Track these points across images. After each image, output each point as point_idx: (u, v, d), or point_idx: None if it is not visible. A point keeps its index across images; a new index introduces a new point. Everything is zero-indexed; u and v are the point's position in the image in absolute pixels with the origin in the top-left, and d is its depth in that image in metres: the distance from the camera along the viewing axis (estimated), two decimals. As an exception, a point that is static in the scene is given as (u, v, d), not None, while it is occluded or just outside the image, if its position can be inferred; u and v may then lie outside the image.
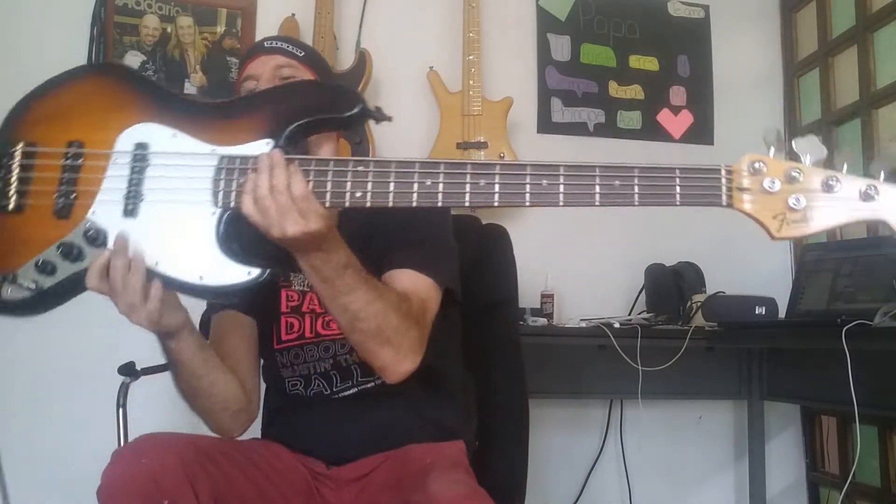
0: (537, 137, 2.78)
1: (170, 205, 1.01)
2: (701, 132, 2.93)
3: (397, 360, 1.13)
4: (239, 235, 1.02)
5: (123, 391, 1.73)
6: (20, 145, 1.07)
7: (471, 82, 2.58)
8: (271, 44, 1.32)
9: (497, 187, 0.93)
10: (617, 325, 2.34)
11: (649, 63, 2.92)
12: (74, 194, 1.04)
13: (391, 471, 1.23)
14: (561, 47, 2.85)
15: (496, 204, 0.92)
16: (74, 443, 2.32)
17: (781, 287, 2.56)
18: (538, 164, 0.92)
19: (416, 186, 0.95)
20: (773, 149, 0.91)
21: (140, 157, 1.04)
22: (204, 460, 1.08)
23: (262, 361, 1.38)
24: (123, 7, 2.49)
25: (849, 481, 2.43)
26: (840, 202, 0.85)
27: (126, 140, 1.05)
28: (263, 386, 1.42)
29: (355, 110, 1.04)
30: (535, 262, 2.54)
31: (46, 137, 1.07)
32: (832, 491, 2.64)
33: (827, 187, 0.86)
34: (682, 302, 2.47)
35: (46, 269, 1.02)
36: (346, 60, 2.57)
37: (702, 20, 2.99)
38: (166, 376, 1.82)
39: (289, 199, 0.95)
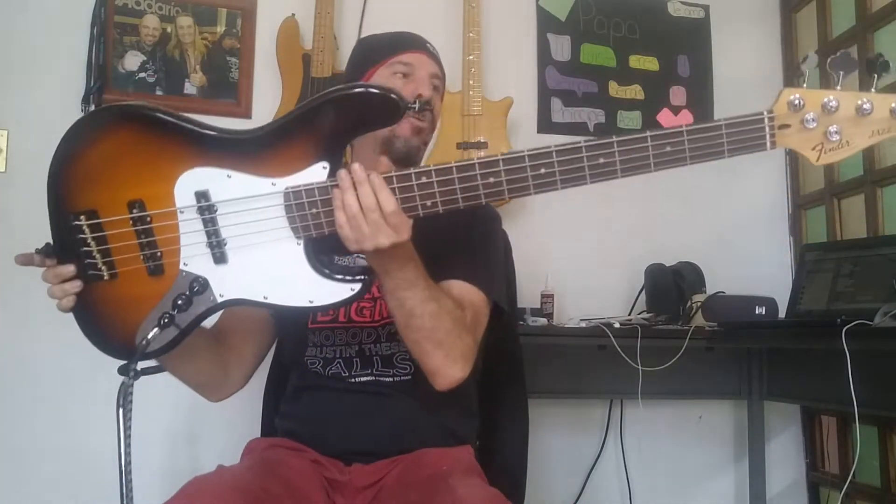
0: (537, 137, 2.78)
1: (255, 247, 1.07)
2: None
3: (447, 363, 1.16)
4: (327, 257, 1.10)
5: (123, 391, 1.72)
6: (82, 219, 1.09)
7: (471, 82, 2.58)
8: (434, 50, 1.42)
9: (557, 174, 0.99)
10: (617, 325, 2.34)
11: (649, 63, 2.92)
12: (159, 253, 1.09)
13: (404, 475, 1.23)
14: (561, 47, 2.85)
15: (559, 187, 0.99)
16: (75, 443, 2.32)
17: (781, 287, 2.56)
18: (592, 143, 0.98)
19: (480, 185, 1.01)
20: (807, 73, 0.97)
21: (205, 207, 1.07)
22: (250, 498, 1.10)
23: (280, 343, 1.44)
24: (123, 7, 2.49)
25: (849, 481, 2.43)
26: (872, 124, 0.93)
27: (183, 190, 1.07)
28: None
29: (402, 114, 1.06)
30: (535, 262, 2.54)
31: (103, 203, 1.09)
32: (832, 491, 2.64)
33: (861, 111, 0.93)
34: (682, 302, 2.47)
35: (166, 321, 1.09)
36: (346, 60, 2.56)
37: (702, 20, 2.99)
38: (166, 376, 1.82)
39: (381, 216, 1.00)
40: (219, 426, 2.32)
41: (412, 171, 1.03)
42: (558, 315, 2.52)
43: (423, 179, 1.02)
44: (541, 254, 2.64)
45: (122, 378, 1.72)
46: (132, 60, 2.49)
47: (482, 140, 2.54)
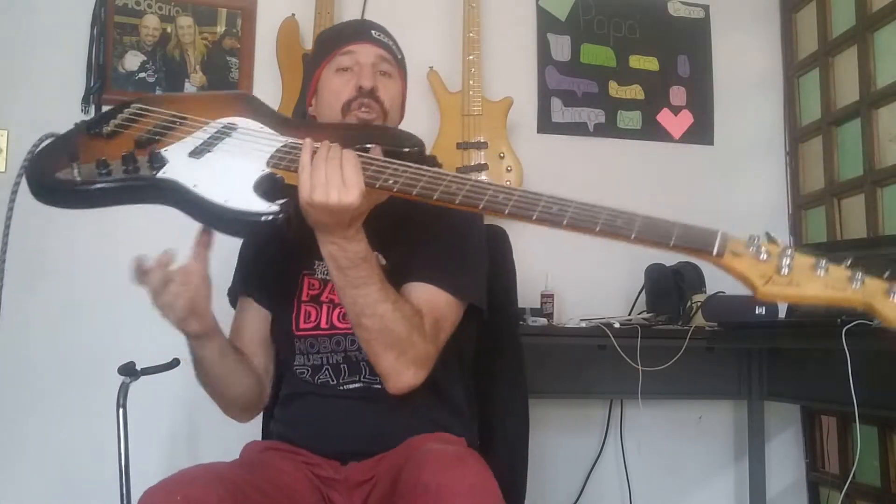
0: (537, 137, 2.78)
1: (231, 156, 1.14)
2: (701, 132, 2.93)
3: (399, 367, 1.17)
4: (271, 190, 1.10)
5: (123, 391, 1.73)
6: (139, 104, 1.26)
7: (471, 82, 2.58)
8: (378, 35, 1.40)
9: (512, 202, 1.03)
10: (617, 325, 2.34)
11: (649, 63, 2.92)
12: (159, 137, 1.18)
13: (394, 461, 1.23)
14: (561, 47, 2.85)
15: (506, 214, 1.02)
16: (75, 442, 2.32)
17: (781, 287, 2.55)
18: (553, 198, 1.05)
19: (441, 187, 1.03)
20: (764, 239, 0.96)
21: (226, 130, 1.20)
22: (236, 493, 1.10)
23: (278, 350, 1.43)
24: (123, 7, 2.49)
25: (849, 481, 2.43)
26: (827, 279, 0.89)
27: (222, 121, 1.22)
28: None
29: (410, 149, 1.15)
30: (535, 262, 2.54)
31: (161, 107, 1.25)
32: (832, 491, 2.64)
33: (817, 267, 0.90)
34: (682, 302, 2.47)
35: (102, 167, 1.11)
36: (346, 60, 2.56)
37: (702, 20, 2.99)
38: (166, 376, 1.83)
39: (338, 167, 1.04)
40: (219, 425, 2.31)
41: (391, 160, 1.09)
42: (558, 315, 2.52)
43: (395, 166, 1.07)
44: (541, 254, 2.63)
45: (122, 378, 1.73)
46: (132, 60, 2.49)
47: (482, 140, 2.54)
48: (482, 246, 1.41)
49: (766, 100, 3.01)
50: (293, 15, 2.57)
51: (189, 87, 2.54)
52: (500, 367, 1.51)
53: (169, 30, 2.53)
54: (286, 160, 1.11)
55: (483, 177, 2.51)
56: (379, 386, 1.27)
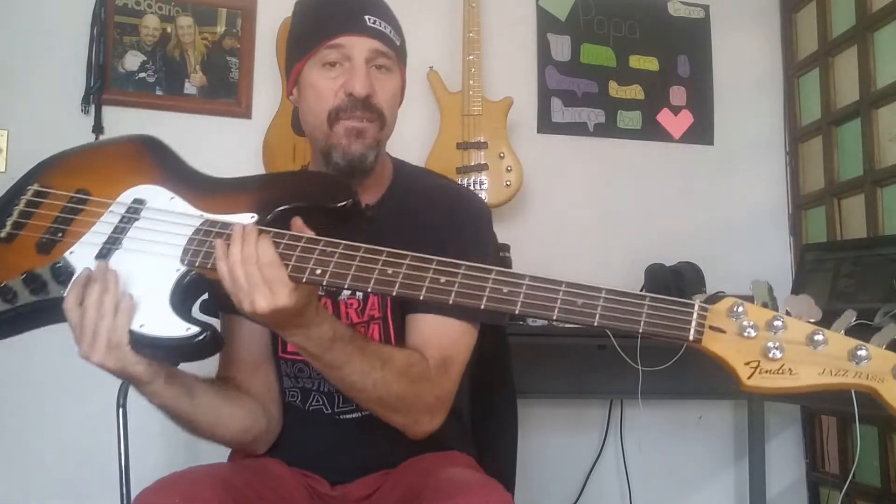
0: (537, 137, 2.78)
1: (141, 255, 1.02)
2: (701, 132, 2.93)
3: (410, 424, 1.11)
4: (192, 300, 1.02)
5: (123, 391, 1.73)
6: (35, 186, 1.12)
7: (471, 82, 2.58)
8: (374, 22, 1.18)
9: (456, 286, 0.89)
10: (617, 325, 2.34)
11: (649, 63, 2.92)
12: (62, 233, 1.07)
13: (400, 481, 1.17)
14: (561, 47, 2.85)
15: (450, 302, 0.89)
16: (75, 442, 2.32)
17: (781, 287, 2.55)
18: (504, 271, 0.91)
19: (376, 273, 0.92)
20: (759, 302, 0.81)
21: (133, 209, 1.07)
22: (237, 496, 1.05)
23: None
24: (123, 7, 2.49)
25: (849, 481, 2.43)
26: (824, 359, 0.76)
27: (128, 196, 1.09)
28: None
29: (341, 204, 1.03)
30: (535, 261, 2.54)
31: (61, 184, 1.12)
32: (832, 491, 2.64)
33: (811, 342, 0.77)
34: (682, 302, 2.47)
35: (6, 294, 1.02)
36: (346, 60, 2.56)
37: (702, 20, 2.99)
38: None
39: (257, 269, 0.92)
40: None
41: (306, 235, 0.97)
42: (558, 315, 2.52)
43: (322, 247, 0.94)
44: (541, 253, 2.63)
45: (121, 378, 1.72)
46: (132, 60, 2.49)
47: (482, 140, 2.54)
48: (494, 249, 1.31)
49: (766, 100, 3.01)
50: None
51: (189, 87, 2.54)
52: (489, 371, 1.44)
53: (169, 30, 2.53)
54: (203, 252, 0.99)
55: (483, 176, 2.51)
56: None
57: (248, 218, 1.01)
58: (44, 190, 1.11)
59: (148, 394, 1.04)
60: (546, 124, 2.80)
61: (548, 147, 2.77)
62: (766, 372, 0.77)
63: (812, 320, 0.79)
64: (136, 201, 1.08)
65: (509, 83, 2.71)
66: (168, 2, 2.54)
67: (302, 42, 1.20)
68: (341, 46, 1.15)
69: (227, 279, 0.94)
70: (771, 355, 0.76)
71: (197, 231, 1.01)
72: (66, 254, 1.04)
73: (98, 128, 2.41)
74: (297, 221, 0.99)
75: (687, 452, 2.81)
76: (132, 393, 1.75)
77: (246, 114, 2.56)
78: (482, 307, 0.88)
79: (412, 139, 2.61)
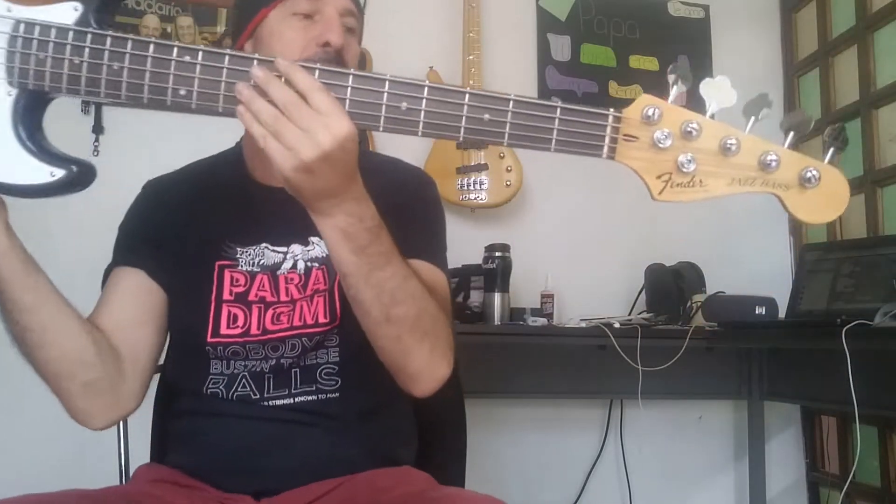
0: (537, 137, 2.78)
1: None
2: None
3: (435, 359, 0.94)
4: (40, 130, 0.84)
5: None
6: None
7: (471, 82, 2.58)
8: None
9: (347, 104, 0.78)
10: (617, 325, 2.34)
11: (649, 63, 2.92)
12: None
13: (350, 496, 0.99)
14: (561, 47, 2.85)
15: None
16: (74, 442, 2.32)
17: (781, 287, 2.56)
18: (399, 80, 0.78)
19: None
20: (675, 87, 0.78)
21: None
22: None
23: (170, 354, 1.13)
24: (123, 7, 2.49)
25: (849, 481, 2.43)
26: (734, 169, 0.75)
27: None
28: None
29: None
30: (535, 262, 2.55)
31: None
32: (832, 491, 2.64)
33: (724, 149, 0.75)
34: (682, 302, 2.47)
35: None
36: (346, 60, 2.56)
37: (702, 20, 2.99)
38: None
39: (307, 110, 0.76)
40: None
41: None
42: (558, 315, 2.52)
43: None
44: (541, 254, 2.63)
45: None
46: (132, 60, 2.49)
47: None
48: (444, 218, 1.16)
49: (767, 100, 3.01)
50: (293, 15, 2.57)
51: (189, 87, 2.54)
52: None
53: (169, 30, 2.53)
54: (33, 64, 0.80)
55: (483, 176, 2.51)
56: (314, 398, 1.03)
57: (69, 10, 0.82)
58: None
59: None
60: (546, 124, 2.80)
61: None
62: (678, 185, 0.75)
63: (728, 106, 0.79)
64: None
65: (509, 83, 2.71)
66: (168, 2, 2.54)
67: None
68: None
69: (269, 140, 0.77)
70: (684, 169, 0.75)
71: (13, 39, 0.81)
72: None
73: (98, 128, 2.41)
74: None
75: (687, 452, 2.81)
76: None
77: (246, 114, 2.56)
78: (381, 129, 0.78)
79: (412, 139, 2.61)
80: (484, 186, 2.51)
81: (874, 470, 2.50)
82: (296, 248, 1.07)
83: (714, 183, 0.75)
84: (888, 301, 1.94)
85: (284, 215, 0.98)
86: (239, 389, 1.04)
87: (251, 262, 1.06)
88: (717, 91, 0.80)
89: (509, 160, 2.53)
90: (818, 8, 2.86)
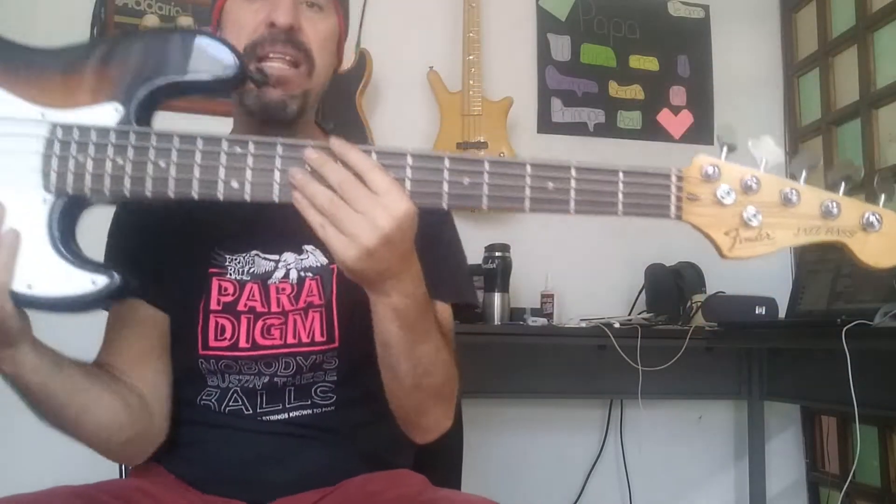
0: (537, 137, 2.78)
1: None
2: (701, 132, 2.93)
3: (444, 418, 0.96)
4: (73, 229, 0.80)
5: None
6: None
7: (471, 82, 2.58)
8: None
9: (409, 184, 0.76)
10: (617, 325, 2.34)
11: (649, 63, 2.92)
12: None
13: (344, 500, 0.98)
14: (561, 47, 2.85)
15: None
16: (74, 442, 2.31)
17: (781, 287, 2.56)
18: (458, 157, 0.77)
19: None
20: (725, 149, 0.78)
21: None
22: None
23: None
24: (123, 7, 2.49)
25: (849, 481, 2.43)
26: (798, 219, 0.76)
27: None
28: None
29: (230, 74, 0.81)
30: (535, 262, 2.55)
31: None
32: (832, 491, 2.64)
33: (786, 200, 0.75)
34: (682, 302, 2.47)
35: None
36: (346, 60, 2.56)
37: (702, 20, 2.99)
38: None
39: (366, 193, 0.74)
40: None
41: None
42: (558, 315, 2.52)
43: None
44: (541, 254, 2.63)
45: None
46: (132, 60, 2.49)
47: (482, 140, 2.54)
48: (453, 231, 1.13)
49: (766, 100, 3.01)
50: (293, 15, 2.57)
51: (189, 87, 2.54)
52: None
53: (169, 30, 2.53)
54: (72, 173, 0.76)
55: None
56: (309, 412, 1.01)
57: (111, 111, 0.79)
58: None
59: (7, 362, 0.81)
60: (546, 124, 2.80)
61: (548, 147, 2.77)
62: (746, 240, 0.76)
63: (778, 162, 0.78)
64: None
65: (509, 83, 2.71)
66: (168, 2, 2.54)
67: None
68: None
69: (326, 228, 0.75)
70: (751, 223, 0.75)
71: (49, 143, 0.77)
72: None
73: (98, 128, 2.42)
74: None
75: (687, 452, 2.81)
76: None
77: (246, 114, 2.56)
78: (444, 206, 0.76)
79: (412, 139, 2.61)
80: (484, 186, 2.50)
81: (874, 470, 2.49)
82: (288, 257, 1.02)
83: (781, 234, 0.76)
84: (888, 301, 1.94)
85: (277, 221, 0.92)
86: (230, 404, 1.01)
87: (241, 270, 1.02)
88: (766, 149, 0.79)
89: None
90: (818, 8, 2.86)
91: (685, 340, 2.29)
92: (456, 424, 1.15)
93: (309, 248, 1.02)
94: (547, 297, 2.51)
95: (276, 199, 0.76)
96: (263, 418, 1.00)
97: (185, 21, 2.54)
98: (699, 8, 2.98)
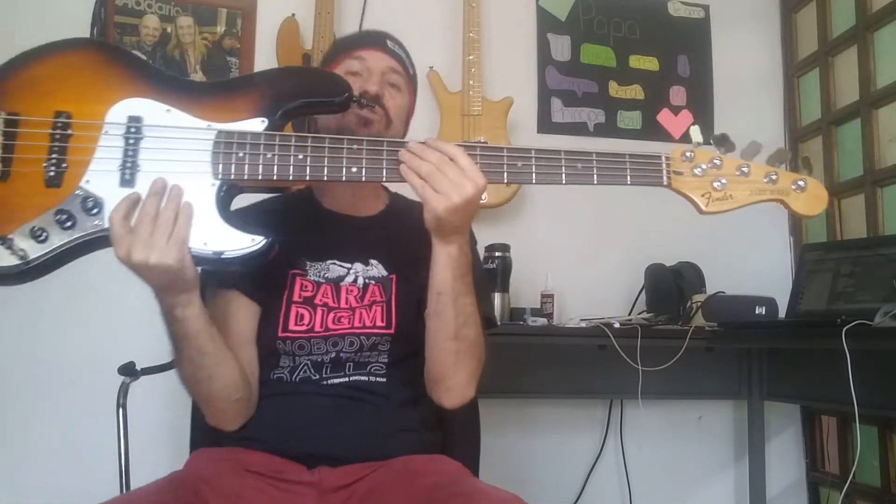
0: (537, 137, 2.78)
1: (168, 176, 1.03)
2: (701, 132, 2.92)
3: (469, 381, 1.21)
4: (230, 207, 1.08)
5: (123, 391, 1.73)
6: (2, 114, 1.04)
7: (471, 82, 2.58)
8: (394, 46, 1.36)
9: (480, 166, 1.09)
10: (617, 325, 2.34)
11: (649, 63, 2.92)
12: (65, 164, 1.03)
13: (385, 479, 1.16)
14: (561, 47, 2.85)
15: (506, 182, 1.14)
16: (74, 442, 2.32)
17: (781, 287, 2.56)
18: (513, 148, 1.13)
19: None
20: (699, 144, 1.15)
21: (134, 129, 1.05)
22: None
23: None
24: (123, 7, 2.50)
25: (849, 481, 2.43)
26: (750, 184, 1.11)
27: (118, 113, 1.06)
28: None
29: (343, 97, 1.14)
30: (535, 262, 2.55)
31: (30, 108, 1.05)
32: (832, 491, 2.64)
33: (741, 173, 1.12)
34: (682, 302, 2.47)
35: (39, 235, 1.00)
36: (346, 60, 2.56)
37: (702, 20, 2.99)
38: (166, 376, 1.82)
39: (455, 168, 1.06)
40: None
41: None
42: (558, 315, 2.52)
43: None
44: (541, 254, 2.64)
45: (122, 378, 1.73)
46: (132, 60, 2.49)
47: (482, 140, 2.54)
48: (478, 254, 1.42)
49: (766, 100, 3.01)
50: (293, 15, 2.57)
51: (189, 87, 2.54)
52: None
53: (169, 30, 2.53)
54: (233, 164, 1.05)
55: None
56: (364, 378, 1.23)
57: (258, 123, 1.09)
58: (13, 118, 1.04)
59: (184, 306, 1.06)
60: (546, 124, 2.80)
61: (548, 147, 2.77)
62: (716, 200, 1.11)
63: (733, 153, 1.15)
64: (132, 119, 1.06)
65: (509, 83, 2.71)
66: (168, 2, 2.54)
67: (331, 55, 1.39)
68: (363, 59, 1.31)
69: (428, 189, 1.05)
70: (716, 186, 1.12)
71: (217, 144, 1.06)
72: (83, 183, 1.03)
73: (98, 128, 2.42)
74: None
75: (687, 452, 2.81)
76: (132, 393, 1.76)
77: (246, 114, 2.56)
78: (505, 181, 1.11)
79: (412, 139, 2.61)
80: (484, 186, 2.50)
81: (874, 470, 2.50)
82: (358, 266, 1.28)
83: (739, 194, 1.11)
84: (888, 301, 1.94)
85: (351, 238, 1.28)
86: (300, 374, 1.23)
87: (318, 273, 1.27)
88: (725, 142, 1.17)
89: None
90: (818, 8, 2.86)
91: (685, 340, 2.29)
92: (474, 421, 1.48)
93: (374, 261, 1.29)
94: (547, 297, 2.51)
95: (383, 178, 1.09)
96: (327, 382, 1.22)
97: (185, 21, 2.54)
98: (699, 8, 2.99)
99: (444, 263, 1.12)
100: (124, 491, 1.76)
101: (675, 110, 2.92)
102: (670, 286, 2.51)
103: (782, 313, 2.41)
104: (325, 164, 1.06)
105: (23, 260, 1.00)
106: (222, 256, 1.04)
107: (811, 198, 1.12)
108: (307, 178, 1.06)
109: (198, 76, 2.54)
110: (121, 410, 1.74)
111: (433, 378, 1.22)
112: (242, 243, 1.04)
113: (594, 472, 2.71)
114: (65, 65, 1.09)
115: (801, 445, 2.86)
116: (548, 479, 2.63)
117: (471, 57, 2.59)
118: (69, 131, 1.04)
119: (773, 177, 1.11)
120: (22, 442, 2.33)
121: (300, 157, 1.06)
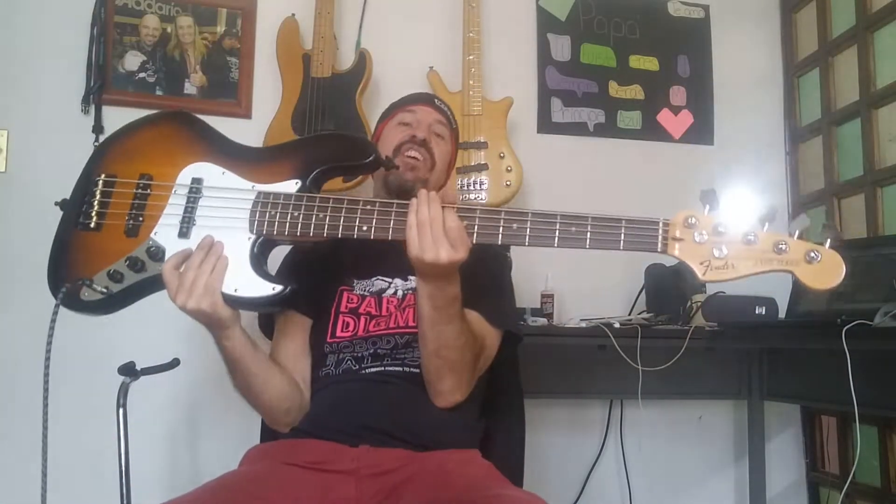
0: (537, 137, 2.78)
1: (215, 230, 1.24)
2: (701, 132, 2.93)
3: (455, 390, 1.32)
4: (265, 258, 1.25)
5: (123, 391, 1.73)
6: (102, 176, 1.31)
7: (471, 82, 2.58)
8: (440, 104, 1.62)
9: (477, 227, 1.16)
10: (617, 325, 2.34)
11: (649, 63, 2.92)
12: (142, 217, 1.27)
13: (420, 473, 1.25)
14: (561, 47, 2.85)
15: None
16: (74, 442, 2.32)
17: (781, 287, 2.55)
18: (511, 210, 1.16)
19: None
20: (708, 207, 1.06)
21: (195, 189, 1.28)
22: None
23: None
24: (123, 7, 2.49)
25: (849, 481, 2.43)
26: (756, 253, 1.03)
27: (186, 175, 1.29)
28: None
29: (368, 159, 1.31)
30: (536, 262, 2.54)
31: (124, 171, 1.31)
32: (832, 491, 2.64)
33: (746, 241, 1.03)
34: (682, 302, 2.47)
35: (116, 277, 1.24)
36: (346, 60, 2.56)
37: (702, 20, 2.99)
38: (166, 376, 1.83)
39: (442, 230, 1.14)
40: (218, 425, 2.32)
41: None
42: (558, 315, 2.52)
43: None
44: (541, 254, 2.63)
45: (122, 378, 1.73)
46: (132, 60, 2.49)
47: (482, 140, 2.54)
48: (510, 276, 1.58)
49: (766, 100, 3.01)
50: (293, 15, 2.57)
51: (189, 88, 2.54)
52: (498, 373, 1.53)
53: (169, 30, 2.53)
54: (266, 221, 1.23)
55: (483, 176, 2.51)
56: (399, 369, 1.37)
57: (293, 185, 1.26)
58: (111, 179, 1.30)
59: (225, 339, 1.25)
60: (546, 124, 2.80)
61: (548, 147, 2.77)
62: (716, 268, 1.04)
63: (715, 211, 1.07)
64: (195, 181, 1.28)
65: (509, 83, 2.71)
66: (168, 2, 2.54)
67: (388, 110, 1.63)
68: (414, 112, 1.57)
69: (413, 231, 1.15)
70: (717, 254, 1.03)
71: (255, 203, 1.24)
72: (153, 235, 1.26)
73: (98, 128, 2.41)
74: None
75: (687, 452, 2.81)
76: (132, 393, 1.76)
77: (246, 114, 2.56)
78: (499, 243, 1.14)
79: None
80: (484, 186, 2.51)
81: (874, 470, 2.50)
82: (398, 281, 1.47)
83: (742, 265, 1.04)
84: (888, 301, 1.94)
85: (394, 257, 1.34)
86: (343, 365, 1.40)
87: (364, 288, 1.47)
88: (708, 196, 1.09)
89: (509, 160, 2.53)
90: (818, 8, 2.86)
91: (685, 340, 2.29)
92: (519, 427, 1.65)
93: (413, 277, 1.39)
94: (547, 297, 2.51)
95: (389, 237, 1.19)
96: (365, 371, 1.38)
97: (185, 21, 2.54)
98: (699, 8, 2.99)
99: (423, 294, 1.23)
100: (124, 492, 1.77)
101: (675, 110, 2.92)
102: (670, 286, 2.51)
103: (782, 313, 2.40)
104: (341, 223, 1.20)
105: (105, 295, 1.25)
106: (248, 300, 1.22)
107: (825, 270, 1.04)
108: (324, 235, 1.21)
109: (197, 76, 2.54)
110: (121, 410, 1.74)
111: (425, 381, 1.33)
112: (264, 290, 1.22)
113: (594, 471, 2.71)
114: (153, 134, 1.36)
115: (801, 445, 2.86)
116: (548, 478, 2.63)
117: (471, 57, 2.59)
118: (148, 191, 1.29)
119: (783, 246, 1.05)
120: (21, 442, 2.33)
121: (321, 216, 1.21)
